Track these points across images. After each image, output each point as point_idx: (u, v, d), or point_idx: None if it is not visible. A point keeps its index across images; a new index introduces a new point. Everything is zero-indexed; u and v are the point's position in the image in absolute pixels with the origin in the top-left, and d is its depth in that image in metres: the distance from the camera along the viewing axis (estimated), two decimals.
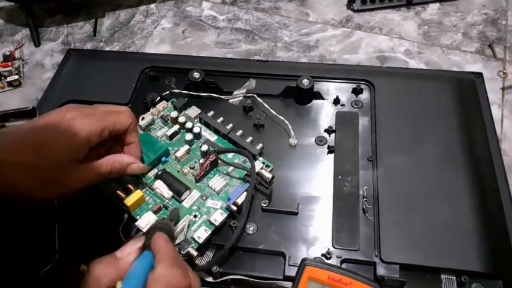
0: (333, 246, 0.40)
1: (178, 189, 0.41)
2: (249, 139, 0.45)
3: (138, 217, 0.40)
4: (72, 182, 0.36)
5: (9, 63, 0.62)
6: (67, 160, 0.35)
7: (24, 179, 0.34)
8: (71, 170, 0.35)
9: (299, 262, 0.35)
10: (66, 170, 0.35)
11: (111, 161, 0.37)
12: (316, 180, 0.44)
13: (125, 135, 0.39)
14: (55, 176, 0.34)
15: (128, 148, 0.40)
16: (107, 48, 0.66)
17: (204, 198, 0.42)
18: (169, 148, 0.45)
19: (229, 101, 0.51)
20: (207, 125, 0.47)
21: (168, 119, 0.48)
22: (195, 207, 0.41)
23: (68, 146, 0.34)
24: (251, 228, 0.41)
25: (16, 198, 0.35)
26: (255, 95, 0.50)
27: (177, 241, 0.38)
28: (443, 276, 0.38)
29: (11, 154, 0.33)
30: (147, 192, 0.42)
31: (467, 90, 0.51)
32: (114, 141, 0.40)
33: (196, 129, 0.46)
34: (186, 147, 0.45)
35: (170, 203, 0.41)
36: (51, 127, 0.35)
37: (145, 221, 0.38)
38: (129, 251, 0.30)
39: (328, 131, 0.48)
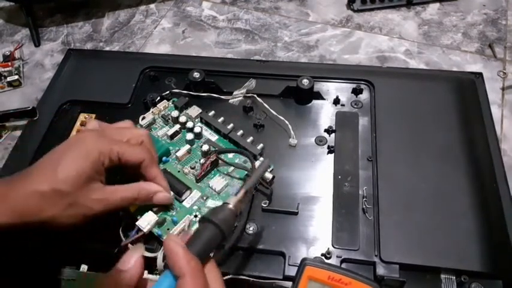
0: (332, 246, 0.40)
1: (178, 189, 0.41)
2: (250, 139, 0.45)
3: (138, 217, 0.40)
4: (95, 204, 0.35)
5: (9, 63, 0.62)
6: (85, 180, 0.34)
7: (47, 207, 0.33)
8: (92, 191, 0.35)
9: (299, 262, 0.35)
10: (87, 191, 0.34)
11: (137, 188, 0.37)
12: (316, 180, 0.44)
13: (144, 171, 0.38)
14: (76, 198, 0.34)
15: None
16: (107, 48, 0.66)
17: (205, 198, 0.42)
18: (170, 148, 0.45)
19: (229, 101, 0.51)
20: (208, 125, 0.47)
21: (169, 119, 0.48)
22: (195, 207, 0.41)
23: (82, 165, 0.34)
24: (251, 228, 0.41)
25: (40, 232, 0.34)
26: (255, 95, 0.50)
27: None
28: (443, 276, 0.38)
29: (28, 183, 0.33)
30: None
31: (467, 90, 0.51)
32: (138, 175, 0.39)
33: (197, 129, 0.46)
34: (187, 146, 0.45)
35: None
36: (66, 149, 0.35)
37: (146, 221, 0.38)
38: (131, 261, 0.28)
39: (328, 131, 0.48)
